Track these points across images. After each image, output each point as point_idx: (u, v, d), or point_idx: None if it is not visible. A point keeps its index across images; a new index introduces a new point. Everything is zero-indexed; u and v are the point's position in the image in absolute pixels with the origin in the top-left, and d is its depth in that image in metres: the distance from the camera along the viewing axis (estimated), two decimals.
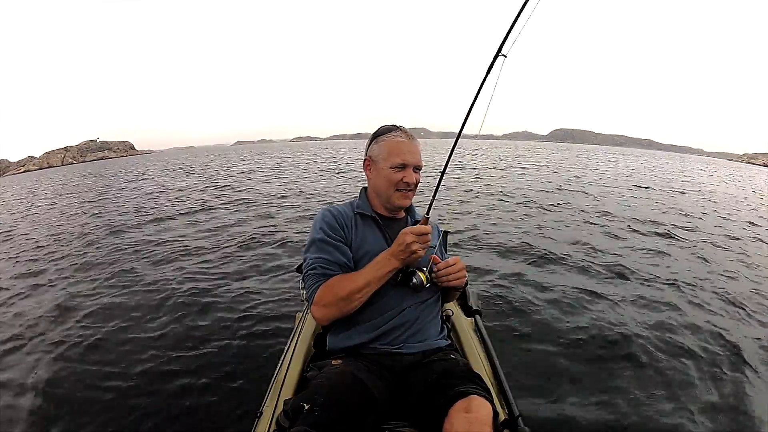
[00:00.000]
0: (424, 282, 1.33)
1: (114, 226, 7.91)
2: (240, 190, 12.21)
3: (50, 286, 4.65)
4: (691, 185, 15.88)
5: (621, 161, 31.81)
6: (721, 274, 4.70)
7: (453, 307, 1.91)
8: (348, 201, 1.57)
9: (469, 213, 7.75)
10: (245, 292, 3.94)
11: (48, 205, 12.93)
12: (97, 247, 6.37)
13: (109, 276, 4.76)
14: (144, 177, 20.80)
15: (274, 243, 5.78)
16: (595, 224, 7.06)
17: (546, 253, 5.17)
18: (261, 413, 1.31)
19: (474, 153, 32.41)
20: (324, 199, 10.02)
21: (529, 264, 4.77)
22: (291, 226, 6.93)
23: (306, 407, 1.04)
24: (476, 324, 1.85)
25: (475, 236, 5.99)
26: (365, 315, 1.35)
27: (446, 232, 1.74)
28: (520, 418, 1.23)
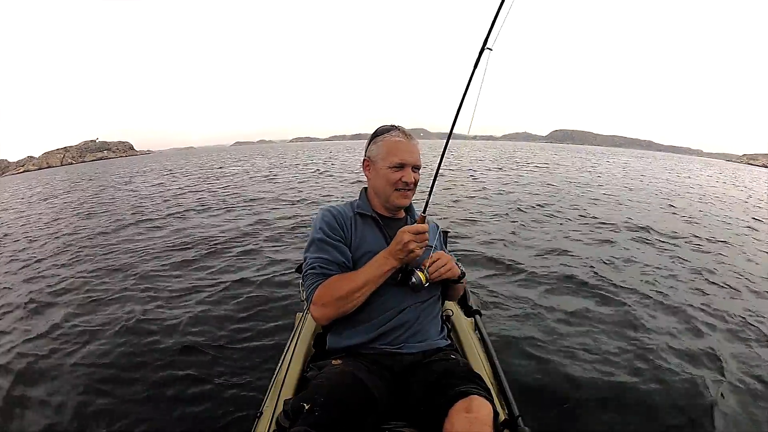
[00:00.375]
0: (423, 281, 1.33)
1: (110, 225, 7.94)
2: (238, 190, 12.22)
3: (48, 284, 4.63)
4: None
5: (630, 164, 31.69)
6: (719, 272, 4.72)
7: (453, 307, 1.91)
8: (348, 201, 1.57)
9: (468, 213, 7.75)
10: (245, 291, 3.94)
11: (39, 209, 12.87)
12: (93, 244, 6.40)
13: (104, 274, 4.76)
14: (142, 178, 20.75)
15: (274, 243, 5.78)
16: (597, 226, 7.06)
17: (547, 254, 5.19)
18: (261, 413, 1.31)
19: (472, 154, 32.43)
20: (316, 199, 10.01)
21: (529, 264, 4.76)
22: (291, 225, 6.94)
23: (306, 407, 1.04)
24: (476, 324, 1.85)
25: (475, 236, 6.00)
26: (365, 315, 1.35)
27: (446, 231, 1.74)
28: (520, 418, 1.23)
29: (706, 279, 4.51)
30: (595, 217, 7.64)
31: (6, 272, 5.44)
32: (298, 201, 9.68)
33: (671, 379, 2.63)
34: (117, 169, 32.54)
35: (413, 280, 1.33)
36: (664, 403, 2.42)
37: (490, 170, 18.10)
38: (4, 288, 4.74)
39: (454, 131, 1.40)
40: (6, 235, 8.22)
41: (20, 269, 5.48)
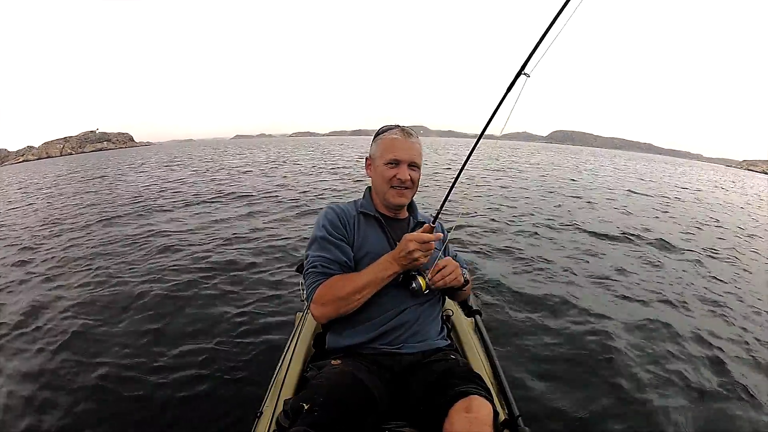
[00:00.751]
0: (423, 288, 1.33)
1: (106, 218, 7.90)
2: (236, 184, 12.18)
3: (45, 283, 4.63)
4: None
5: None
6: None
7: (453, 307, 1.91)
8: (352, 200, 1.57)
9: (468, 212, 7.73)
10: (244, 291, 3.91)
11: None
12: (90, 241, 6.35)
13: (102, 272, 4.71)
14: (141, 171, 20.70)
15: (274, 242, 5.74)
16: (600, 229, 7.05)
17: (548, 255, 5.19)
18: (261, 413, 1.31)
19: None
20: (316, 196, 10.00)
21: (530, 265, 4.77)
22: (290, 224, 6.92)
23: (305, 407, 1.04)
24: (476, 324, 1.85)
25: (475, 236, 5.99)
26: (365, 314, 1.34)
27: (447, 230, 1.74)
28: (520, 418, 1.24)
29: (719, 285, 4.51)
30: (604, 221, 7.63)
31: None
32: (298, 198, 9.66)
33: (672, 380, 2.64)
34: (116, 161, 32.43)
35: (413, 285, 1.33)
36: (664, 403, 2.42)
37: (494, 170, 18.06)
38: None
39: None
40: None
41: (13, 265, 5.47)
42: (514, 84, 1.16)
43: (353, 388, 1.14)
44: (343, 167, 17.90)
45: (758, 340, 3.29)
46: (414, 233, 1.30)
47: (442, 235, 1.50)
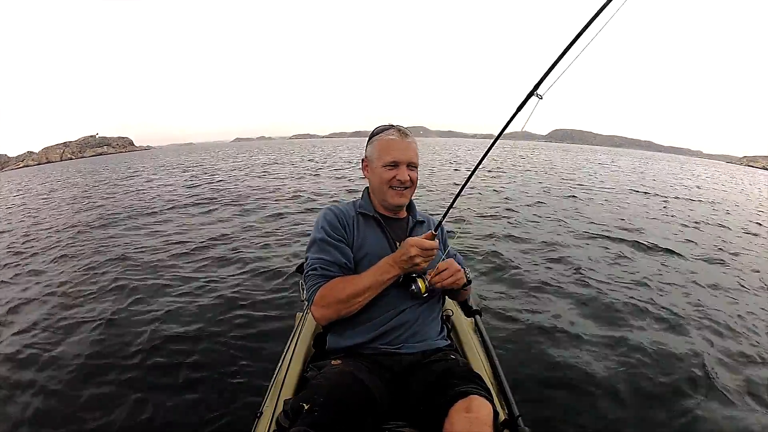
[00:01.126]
0: (423, 291, 1.33)
1: (105, 221, 7.93)
2: (236, 187, 12.20)
3: (45, 282, 4.63)
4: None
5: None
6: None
7: (453, 307, 1.91)
8: (351, 200, 1.57)
9: (468, 210, 7.73)
10: (244, 291, 3.93)
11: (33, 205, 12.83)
12: (88, 242, 6.37)
13: (102, 273, 4.73)
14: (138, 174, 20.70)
15: (274, 242, 5.76)
16: (603, 230, 7.05)
17: (548, 255, 5.19)
18: (261, 413, 1.31)
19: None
20: (316, 197, 10.01)
21: (531, 265, 4.77)
22: (291, 224, 6.93)
23: (305, 407, 1.04)
24: (476, 324, 1.84)
25: (477, 236, 5.99)
26: (365, 315, 1.34)
27: (448, 232, 1.73)
28: (520, 418, 1.24)
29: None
30: (603, 223, 7.58)
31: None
32: (298, 198, 9.68)
33: (672, 381, 2.63)
34: (116, 165, 32.45)
35: (413, 287, 1.34)
36: (664, 404, 2.42)
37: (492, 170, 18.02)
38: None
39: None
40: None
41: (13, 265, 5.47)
42: (525, 103, 1.14)
43: (353, 388, 1.14)
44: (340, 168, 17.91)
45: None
46: (416, 239, 1.29)
47: (437, 243, 1.47)
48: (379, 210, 1.50)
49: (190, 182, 14.55)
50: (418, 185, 1.50)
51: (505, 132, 1.26)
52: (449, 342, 1.51)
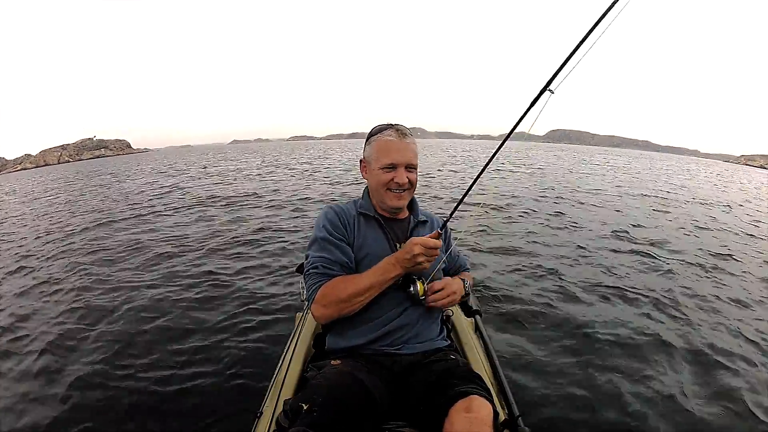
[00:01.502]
0: (420, 294, 1.34)
1: (104, 222, 7.93)
2: (235, 189, 12.18)
3: (43, 281, 4.62)
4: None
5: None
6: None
7: (453, 308, 1.91)
8: (352, 200, 1.56)
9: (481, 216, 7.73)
10: (244, 292, 3.93)
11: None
12: (87, 243, 6.37)
13: (101, 274, 4.73)
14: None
15: (273, 242, 5.76)
16: (606, 230, 7.05)
17: (548, 255, 5.20)
18: (261, 413, 1.31)
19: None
20: (315, 198, 10.00)
21: (531, 265, 4.77)
22: (290, 225, 6.92)
23: (305, 407, 1.04)
24: (476, 324, 1.84)
25: (478, 237, 5.99)
26: (366, 315, 1.34)
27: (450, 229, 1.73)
28: (520, 418, 1.23)
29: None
30: (604, 223, 7.59)
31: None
32: (297, 199, 9.67)
33: (672, 381, 2.64)
34: (112, 168, 32.39)
35: (411, 289, 1.34)
36: (665, 404, 2.42)
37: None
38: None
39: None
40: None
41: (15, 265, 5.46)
42: (538, 99, 1.15)
43: (353, 389, 1.14)
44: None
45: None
46: (420, 238, 1.29)
47: (441, 242, 1.45)
48: (379, 211, 1.49)
49: (185, 183, 14.55)
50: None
51: (511, 131, 1.27)
52: (449, 342, 1.51)
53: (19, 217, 10.21)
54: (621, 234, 6.53)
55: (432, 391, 1.18)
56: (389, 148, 1.39)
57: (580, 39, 1.04)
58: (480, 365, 1.53)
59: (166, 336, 3.15)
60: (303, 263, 1.45)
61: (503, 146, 1.32)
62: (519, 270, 4.57)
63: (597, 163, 29.68)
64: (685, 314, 3.58)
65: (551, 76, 1.11)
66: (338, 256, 1.36)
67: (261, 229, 6.63)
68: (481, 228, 6.50)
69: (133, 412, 2.34)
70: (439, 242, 1.30)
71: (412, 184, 1.44)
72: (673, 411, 2.36)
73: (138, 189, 14.11)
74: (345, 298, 1.28)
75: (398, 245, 1.42)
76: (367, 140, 1.47)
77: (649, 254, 5.42)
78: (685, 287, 4.27)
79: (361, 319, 1.34)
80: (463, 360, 1.46)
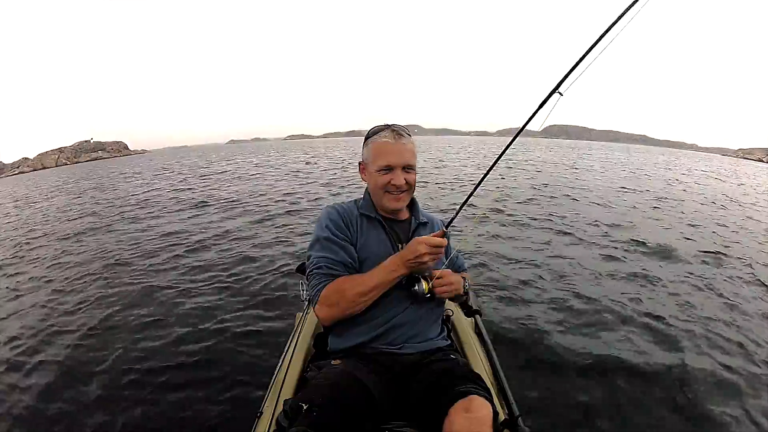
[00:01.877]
0: (425, 291, 1.34)
1: (103, 223, 7.99)
2: (233, 190, 12.18)
3: (42, 283, 4.63)
4: None
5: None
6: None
7: (453, 307, 1.91)
8: (352, 199, 1.55)
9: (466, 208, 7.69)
10: (244, 292, 3.94)
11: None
12: (82, 246, 6.39)
13: (100, 275, 4.75)
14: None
15: (273, 242, 5.76)
16: (605, 228, 7.05)
17: (550, 255, 5.20)
18: (261, 413, 1.32)
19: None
20: (314, 198, 9.99)
21: (532, 265, 4.78)
22: (288, 226, 6.92)
23: (305, 407, 1.04)
24: (476, 324, 1.84)
25: (480, 236, 5.98)
26: (367, 315, 1.34)
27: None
28: (520, 418, 1.24)
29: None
30: (602, 221, 7.56)
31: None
32: (295, 200, 9.68)
33: (673, 381, 2.64)
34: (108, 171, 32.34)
35: (416, 288, 1.34)
36: (665, 403, 2.43)
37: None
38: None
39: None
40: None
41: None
42: (546, 101, 1.17)
43: (353, 388, 1.15)
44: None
45: None
46: (425, 237, 1.29)
47: (446, 241, 1.43)
48: (380, 211, 1.48)
49: (182, 185, 14.54)
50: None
51: (519, 132, 1.29)
52: (449, 342, 1.51)
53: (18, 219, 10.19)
54: (625, 234, 6.48)
55: (432, 390, 1.18)
56: (386, 151, 1.38)
57: (591, 44, 1.06)
58: (480, 365, 1.53)
59: (165, 336, 3.16)
60: (303, 263, 1.44)
61: (510, 146, 1.34)
62: (519, 270, 4.58)
63: (611, 159, 29.30)
64: (686, 316, 3.57)
65: (561, 78, 1.13)
66: (342, 257, 1.36)
67: (260, 229, 6.64)
68: (483, 229, 6.49)
69: (132, 413, 2.35)
70: (444, 240, 1.30)
71: (410, 185, 1.43)
72: (673, 411, 2.37)
73: (136, 190, 14.10)
74: (350, 299, 1.28)
75: (400, 246, 1.42)
76: (364, 142, 1.46)
77: (658, 255, 5.40)
78: (696, 290, 4.23)
79: (363, 318, 1.34)
80: (463, 360, 1.46)
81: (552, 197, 9.89)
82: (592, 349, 2.96)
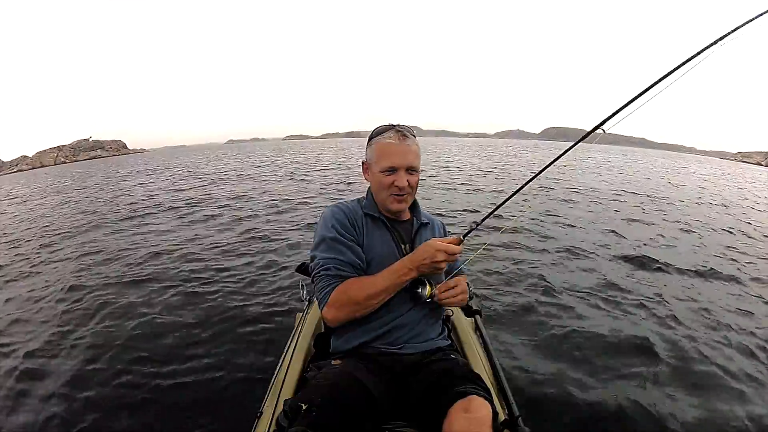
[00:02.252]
0: (428, 296, 1.33)
1: (102, 222, 7.95)
2: (233, 190, 12.15)
3: (41, 283, 4.60)
4: None
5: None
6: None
7: (453, 308, 1.92)
8: (356, 199, 1.54)
9: (466, 207, 7.72)
10: (244, 292, 3.93)
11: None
12: (85, 244, 6.36)
13: (101, 275, 4.73)
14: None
15: (273, 243, 5.74)
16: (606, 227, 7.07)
17: (550, 255, 5.21)
18: (261, 413, 1.31)
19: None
20: (314, 199, 9.99)
21: (531, 265, 4.78)
22: (289, 225, 6.91)
23: (304, 407, 1.04)
24: (476, 324, 1.84)
25: (478, 234, 5.91)
26: (370, 316, 1.33)
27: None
28: (520, 418, 1.24)
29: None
30: (611, 223, 7.57)
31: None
32: (295, 200, 9.66)
33: (673, 381, 2.64)
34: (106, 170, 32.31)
35: (419, 290, 1.33)
36: (664, 403, 2.43)
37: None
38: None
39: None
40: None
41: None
42: (589, 134, 1.25)
43: (353, 388, 1.14)
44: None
45: None
46: (442, 243, 1.28)
47: (461, 248, 1.38)
48: (382, 211, 1.47)
49: (180, 184, 14.54)
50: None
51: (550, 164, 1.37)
52: (450, 342, 1.51)
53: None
54: (628, 238, 6.50)
55: (432, 390, 1.18)
56: (390, 152, 1.37)
57: (643, 89, 1.11)
58: (480, 365, 1.53)
59: (165, 336, 3.15)
60: (303, 263, 1.43)
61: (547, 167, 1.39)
62: (520, 270, 4.58)
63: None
64: (688, 317, 3.57)
65: (606, 117, 1.19)
66: (350, 257, 1.34)
67: (260, 230, 6.61)
68: (482, 226, 6.45)
69: (132, 413, 2.34)
70: (460, 248, 1.29)
71: (412, 187, 1.42)
72: (673, 411, 2.36)
73: (134, 191, 14.08)
74: (360, 301, 1.27)
75: (404, 246, 1.42)
76: (368, 142, 1.45)
77: (663, 261, 5.38)
78: (698, 292, 4.22)
79: (366, 319, 1.33)
80: (463, 360, 1.46)
81: (552, 197, 9.89)
82: (594, 349, 2.96)
